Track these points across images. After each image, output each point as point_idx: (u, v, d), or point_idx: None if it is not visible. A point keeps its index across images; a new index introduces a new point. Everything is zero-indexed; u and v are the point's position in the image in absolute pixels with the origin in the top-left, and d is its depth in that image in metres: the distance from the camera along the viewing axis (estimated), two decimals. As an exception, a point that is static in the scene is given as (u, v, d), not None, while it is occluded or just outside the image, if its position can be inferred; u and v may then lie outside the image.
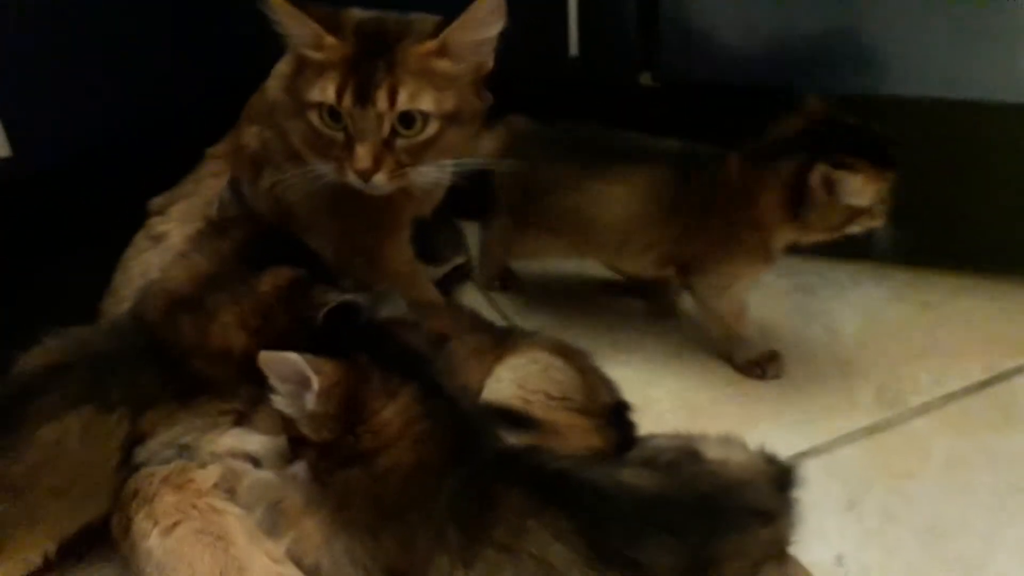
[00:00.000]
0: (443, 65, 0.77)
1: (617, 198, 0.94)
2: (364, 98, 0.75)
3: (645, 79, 1.08)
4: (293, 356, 0.62)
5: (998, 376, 0.95)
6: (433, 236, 0.97)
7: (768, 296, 1.10)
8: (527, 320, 1.07)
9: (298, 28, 0.76)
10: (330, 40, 0.75)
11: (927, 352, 0.99)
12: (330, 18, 0.77)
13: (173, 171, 0.93)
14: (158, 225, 0.86)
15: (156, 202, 0.89)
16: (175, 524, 0.64)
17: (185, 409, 0.73)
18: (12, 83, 0.87)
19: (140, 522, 0.65)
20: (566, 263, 1.17)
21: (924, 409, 0.91)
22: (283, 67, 0.84)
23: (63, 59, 0.93)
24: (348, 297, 0.73)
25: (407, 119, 0.76)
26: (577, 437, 0.75)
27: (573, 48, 1.02)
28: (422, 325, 0.77)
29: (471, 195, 0.89)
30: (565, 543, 0.60)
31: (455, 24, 0.76)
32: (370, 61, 0.75)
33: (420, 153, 0.78)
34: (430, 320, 0.79)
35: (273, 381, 0.63)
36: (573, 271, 1.17)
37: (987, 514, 0.79)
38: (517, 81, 0.86)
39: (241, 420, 0.76)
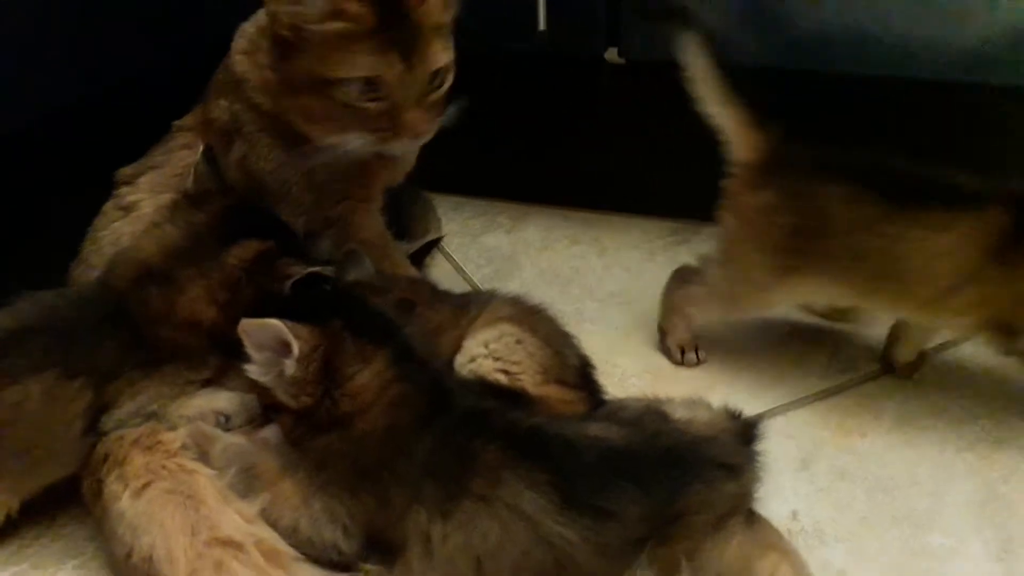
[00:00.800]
0: (447, 17, 0.79)
1: (942, 248, 0.81)
2: (410, 62, 0.75)
3: (611, 55, 1.10)
4: (274, 322, 0.64)
5: (945, 344, 0.98)
6: (406, 211, 0.98)
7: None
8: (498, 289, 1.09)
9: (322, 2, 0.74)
10: (355, 8, 0.73)
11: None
12: None
13: (137, 140, 0.93)
14: (128, 195, 0.86)
15: (124, 172, 0.89)
16: (146, 485, 0.65)
17: (150, 378, 0.74)
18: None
19: (111, 484, 0.66)
20: (531, 243, 1.20)
21: (876, 374, 0.95)
22: (248, 44, 0.84)
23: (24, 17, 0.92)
24: (313, 268, 0.74)
25: (435, 75, 0.78)
26: (563, 407, 0.77)
27: (541, 23, 1.03)
28: (390, 291, 0.79)
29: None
30: (538, 492, 0.63)
31: None
32: (399, 24, 0.75)
33: (439, 107, 0.80)
34: (394, 290, 0.81)
35: (250, 349, 0.65)
36: (539, 246, 1.20)
37: (933, 471, 0.83)
38: (486, 56, 0.87)
39: (209, 387, 0.77)
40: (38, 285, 0.78)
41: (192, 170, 0.80)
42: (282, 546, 0.64)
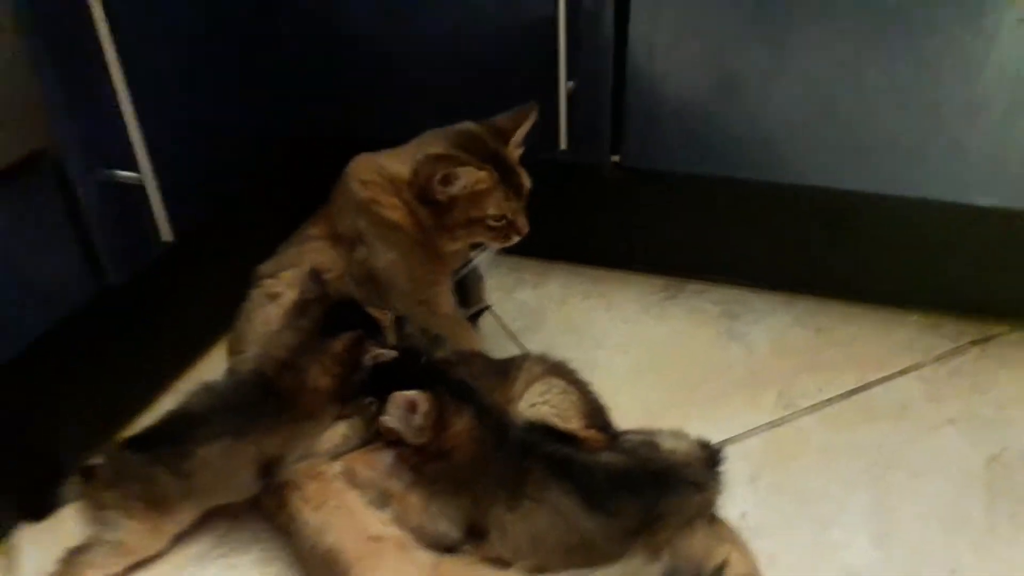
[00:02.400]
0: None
1: None
2: (519, 195, 1.17)
3: (614, 159, 1.43)
4: (413, 393, 0.98)
5: (864, 385, 1.32)
6: (464, 288, 1.32)
7: (703, 318, 1.48)
8: (528, 340, 1.44)
9: (469, 178, 1.12)
10: (483, 175, 1.13)
11: (816, 366, 1.36)
12: (476, 158, 1.14)
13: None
14: (272, 287, 1.19)
15: (265, 268, 1.22)
16: (320, 503, 1.00)
17: (296, 432, 1.06)
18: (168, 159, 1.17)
19: (295, 502, 1.01)
20: (553, 297, 1.53)
21: (810, 410, 1.28)
22: (369, 184, 1.19)
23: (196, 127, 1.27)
24: (385, 352, 1.07)
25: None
26: (596, 444, 1.10)
27: (563, 143, 1.36)
28: (461, 364, 1.14)
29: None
30: (569, 498, 0.98)
31: (520, 131, 1.19)
32: (506, 172, 1.15)
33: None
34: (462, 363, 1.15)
35: (391, 408, 0.99)
36: (558, 300, 1.54)
37: (841, 487, 1.15)
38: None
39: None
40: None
41: (301, 285, 1.13)
42: (408, 540, 0.98)
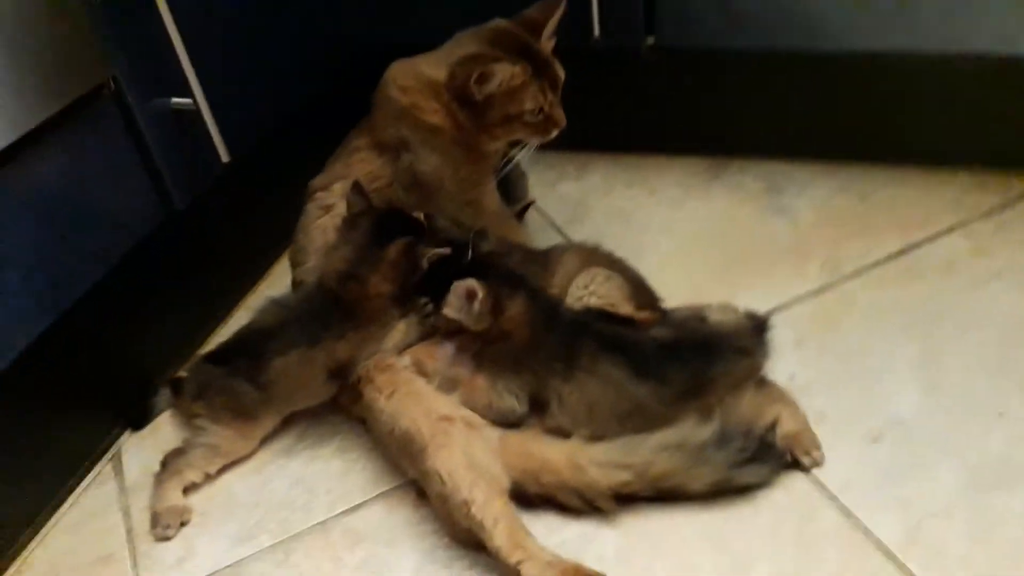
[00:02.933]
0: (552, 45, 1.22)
1: None
2: (555, 87, 1.19)
3: (649, 41, 1.44)
4: (471, 281, 1.04)
5: (908, 247, 1.33)
6: (508, 185, 1.36)
7: (746, 196, 1.50)
8: (575, 231, 1.48)
9: (504, 75, 1.14)
10: (517, 70, 1.14)
11: (861, 232, 1.37)
12: (509, 54, 1.15)
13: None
14: (324, 199, 1.25)
15: (317, 182, 1.27)
16: (392, 392, 1.08)
17: (363, 335, 1.13)
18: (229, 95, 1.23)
19: (370, 393, 1.09)
20: (595, 188, 1.57)
21: (855, 275, 1.30)
22: (408, 89, 1.21)
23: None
24: (439, 250, 1.12)
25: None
26: (647, 321, 1.16)
27: (596, 30, 1.37)
28: (508, 255, 1.19)
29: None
30: (619, 368, 1.04)
31: (550, 22, 1.19)
32: (540, 65, 1.17)
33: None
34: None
35: (452, 297, 1.05)
36: (602, 190, 1.57)
37: (890, 342, 1.19)
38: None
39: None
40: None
41: (347, 199, 1.18)
42: (474, 418, 1.06)
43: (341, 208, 1.22)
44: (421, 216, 1.19)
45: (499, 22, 1.22)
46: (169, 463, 1.14)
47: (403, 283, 1.14)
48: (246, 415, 1.15)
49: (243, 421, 1.15)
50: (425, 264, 1.13)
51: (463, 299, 1.05)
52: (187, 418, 1.18)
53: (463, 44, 1.21)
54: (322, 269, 1.19)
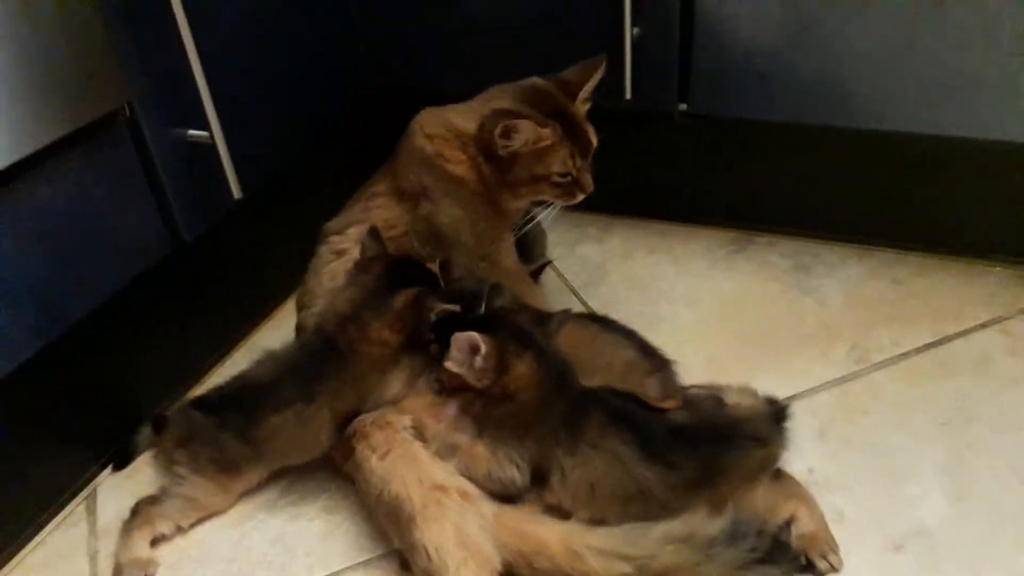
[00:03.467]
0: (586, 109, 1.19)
1: None
2: (586, 154, 1.16)
3: (682, 108, 1.40)
4: (473, 334, 0.99)
5: (942, 339, 1.27)
6: (526, 243, 1.31)
7: (772, 272, 1.44)
8: (591, 296, 1.43)
9: (530, 134, 1.11)
10: (547, 131, 1.11)
11: (891, 319, 1.32)
12: (540, 113, 1.12)
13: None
14: (338, 243, 1.21)
15: (332, 226, 1.24)
16: (386, 452, 1.01)
17: (364, 386, 1.08)
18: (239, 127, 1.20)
19: (362, 451, 1.03)
20: (616, 252, 1.52)
21: (883, 364, 1.25)
22: (433, 138, 1.18)
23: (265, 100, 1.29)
24: (448, 306, 1.07)
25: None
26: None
27: (628, 92, 1.33)
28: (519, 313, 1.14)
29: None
30: (628, 446, 0.98)
31: (587, 85, 1.17)
32: (572, 128, 1.14)
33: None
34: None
35: (454, 350, 1.00)
36: (622, 255, 1.52)
37: (915, 441, 1.12)
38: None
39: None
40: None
41: (361, 243, 1.14)
42: (471, 489, 0.99)
43: (354, 253, 1.18)
44: (436, 265, 1.14)
45: (536, 80, 1.19)
46: (141, 511, 1.08)
47: (407, 335, 1.08)
48: (231, 470, 1.09)
49: (227, 475, 1.09)
50: (433, 318, 1.08)
51: (466, 352, 0.99)
52: (166, 462, 1.13)
53: (495, 98, 1.18)
54: (322, 312, 1.14)
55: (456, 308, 1.08)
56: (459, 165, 1.17)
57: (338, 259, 1.20)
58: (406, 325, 1.08)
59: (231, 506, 1.13)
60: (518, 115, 1.11)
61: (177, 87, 1.10)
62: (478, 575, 0.92)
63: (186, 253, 1.21)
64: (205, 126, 1.12)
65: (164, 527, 1.08)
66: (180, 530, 1.10)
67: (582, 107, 1.19)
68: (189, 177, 1.17)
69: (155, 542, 1.08)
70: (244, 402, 1.08)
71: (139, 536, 1.06)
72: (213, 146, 1.13)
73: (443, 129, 1.18)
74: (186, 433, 1.10)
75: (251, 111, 1.24)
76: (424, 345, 1.10)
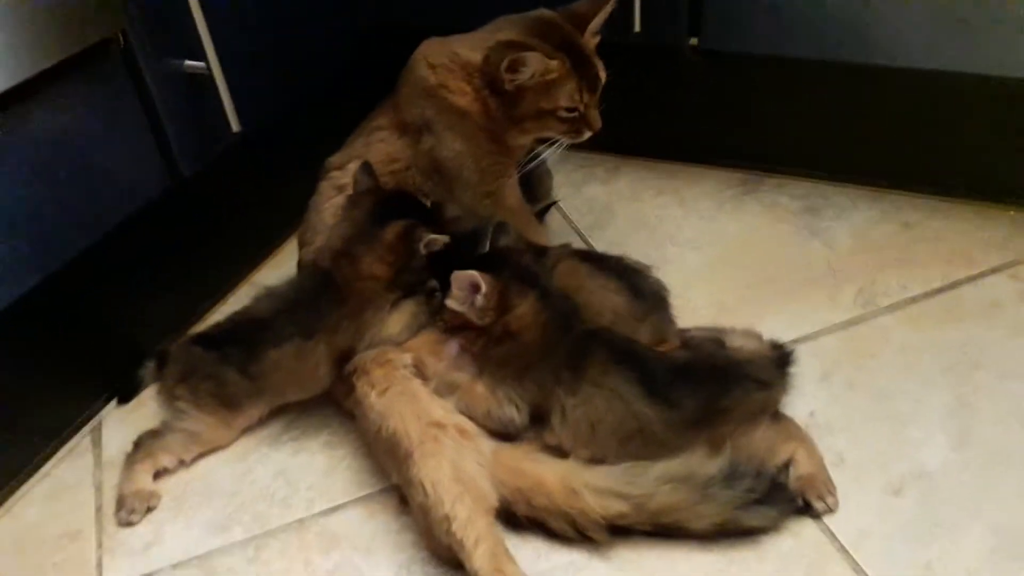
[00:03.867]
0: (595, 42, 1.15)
1: None
2: (594, 88, 1.12)
3: (692, 42, 1.36)
4: (472, 272, 0.98)
5: (951, 284, 1.25)
6: (531, 182, 1.29)
7: (782, 215, 1.42)
8: (597, 237, 1.41)
9: (538, 66, 1.07)
10: (555, 63, 1.08)
11: (901, 263, 1.29)
12: (548, 46, 1.09)
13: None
14: (340, 178, 1.19)
15: (333, 160, 1.22)
16: (385, 388, 1.01)
17: (359, 322, 1.07)
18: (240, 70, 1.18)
19: (362, 387, 1.03)
20: (623, 193, 1.49)
21: (891, 308, 1.23)
22: (438, 69, 1.14)
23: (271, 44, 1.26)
24: (437, 236, 1.05)
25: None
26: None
27: (637, 25, 1.29)
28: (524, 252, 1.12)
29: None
30: (629, 384, 0.97)
31: (597, 18, 1.13)
32: (580, 62, 1.10)
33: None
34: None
35: (454, 288, 0.99)
36: (629, 196, 1.50)
37: (920, 385, 1.11)
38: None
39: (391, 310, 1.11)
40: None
41: (353, 178, 1.12)
42: (469, 426, 1.00)
43: None
44: (429, 202, 1.12)
45: (543, 12, 1.16)
46: (143, 444, 1.09)
47: (399, 268, 1.07)
48: (232, 404, 1.10)
49: (228, 410, 1.10)
50: (422, 249, 1.06)
51: (467, 290, 0.99)
52: (168, 397, 1.13)
53: (502, 29, 1.14)
54: (318, 247, 1.13)
55: (446, 238, 1.07)
56: (463, 97, 1.14)
57: (339, 194, 1.18)
58: (398, 258, 1.07)
59: (233, 441, 1.13)
60: (525, 47, 1.08)
61: (172, 16, 1.07)
62: (473, 511, 0.92)
63: (185, 188, 1.19)
64: (202, 57, 1.10)
65: (166, 460, 1.09)
66: (182, 463, 1.11)
67: (591, 40, 1.15)
68: (187, 110, 1.15)
69: (158, 475, 1.09)
70: (244, 337, 1.08)
71: (141, 469, 1.07)
72: (210, 77, 1.11)
73: (447, 59, 1.15)
74: (187, 368, 1.10)
75: (250, 42, 1.21)
76: (421, 283, 1.09)
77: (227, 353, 1.08)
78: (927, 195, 1.41)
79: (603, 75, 1.15)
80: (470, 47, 1.14)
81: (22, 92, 0.95)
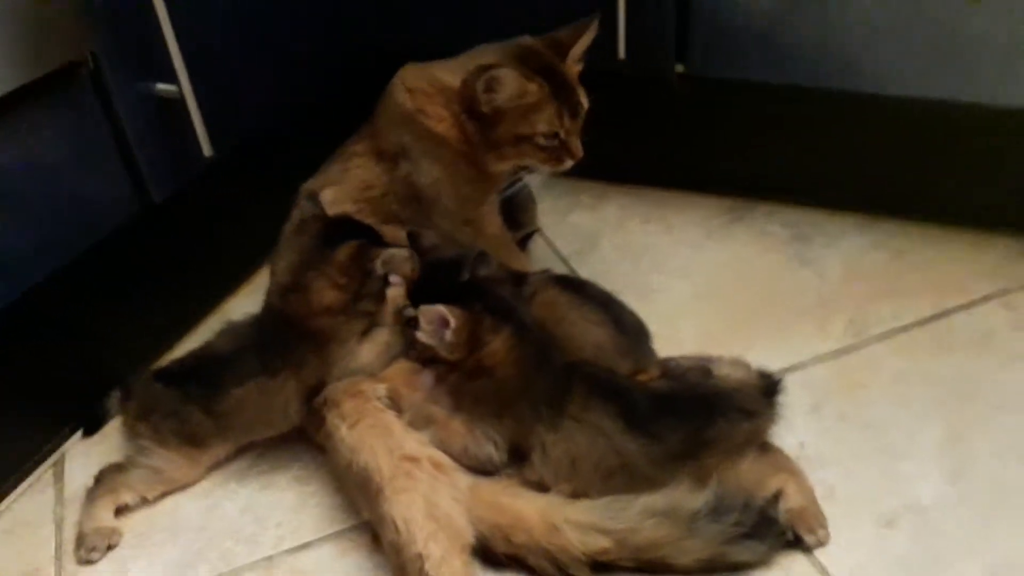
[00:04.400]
0: (578, 69, 1.12)
1: None
2: (575, 115, 1.09)
3: (679, 69, 1.34)
4: (440, 308, 0.95)
5: (942, 313, 1.22)
6: (514, 209, 1.26)
7: (771, 243, 1.39)
8: (581, 265, 1.38)
9: (515, 86, 1.05)
10: (534, 88, 1.06)
11: (892, 292, 1.26)
12: (521, 69, 1.06)
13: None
14: None
15: (309, 185, 1.19)
16: (356, 421, 0.97)
17: (323, 356, 1.03)
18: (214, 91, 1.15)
19: (332, 419, 0.99)
20: (609, 221, 1.47)
21: (882, 337, 1.20)
22: (414, 94, 1.12)
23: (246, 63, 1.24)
24: (395, 250, 1.02)
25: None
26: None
27: (621, 52, 1.28)
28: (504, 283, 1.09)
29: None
30: (610, 418, 0.94)
31: (578, 44, 1.11)
32: (560, 87, 1.07)
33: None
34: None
35: (422, 323, 0.96)
36: (615, 224, 1.47)
37: (914, 418, 1.07)
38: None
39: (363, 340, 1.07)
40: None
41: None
42: (445, 460, 0.95)
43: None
44: (396, 232, 1.10)
45: (525, 39, 1.14)
46: (105, 479, 1.05)
47: (354, 293, 1.03)
48: (197, 443, 1.05)
49: (193, 448, 1.06)
50: (379, 268, 1.02)
51: (435, 324, 0.95)
52: (129, 433, 1.09)
53: (483, 55, 1.12)
54: (267, 290, 1.10)
55: (405, 252, 1.03)
56: (441, 123, 1.11)
57: (312, 222, 1.15)
58: (351, 280, 1.02)
59: (199, 479, 1.09)
60: (501, 67, 1.06)
61: (143, 37, 1.05)
62: (448, 549, 0.88)
63: (156, 215, 1.16)
64: (174, 79, 1.07)
65: (128, 497, 1.04)
66: (145, 501, 1.06)
67: (573, 67, 1.13)
68: (158, 134, 1.12)
69: (119, 510, 1.05)
70: (206, 374, 1.04)
71: (102, 505, 1.03)
72: (182, 101, 1.08)
73: (425, 84, 1.13)
74: (148, 405, 1.06)
75: (224, 65, 1.19)
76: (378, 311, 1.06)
77: (189, 391, 1.04)
78: (919, 223, 1.38)
79: (585, 102, 1.13)
80: (450, 72, 1.12)
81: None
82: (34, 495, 1.11)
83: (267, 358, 1.02)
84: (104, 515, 1.02)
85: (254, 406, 1.03)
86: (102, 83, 1.04)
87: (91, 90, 1.04)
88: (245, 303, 1.36)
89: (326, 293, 1.02)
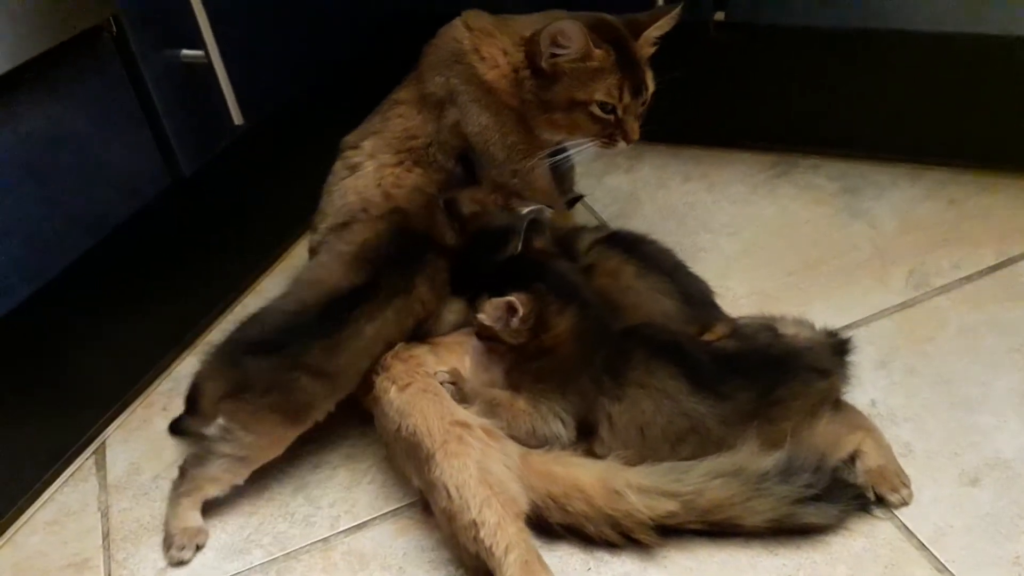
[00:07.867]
0: (650, 52, 1.06)
1: None
2: (637, 93, 1.03)
3: (718, 16, 1.28)
4: (509, 299, 0.91)
5: (1006, 261, 1.17)
6: (555, 176, 1.21)
7: (819, 196, 1.34)
8: (624, 227, 1.32)
9: (581, 44, 0.99)
10: (599, 52, 1.00)
11: (950, 242, 1.22)
12: (592, 35, 1.00)
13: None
14: (353, 157, 1.11)
15: (348, 139, 1.13)
16: (407, 384, 0.93)
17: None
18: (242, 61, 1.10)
19: (381, 382, 0.94)
20: (648, 181, 1.42)
21: (945, 289, 1.15)
22: (474, 42, 1.06)
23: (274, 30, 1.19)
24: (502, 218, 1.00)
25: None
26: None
27: (660, 0, 1.22)
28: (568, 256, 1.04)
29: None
30: (675, 380, 0.90)
31: (655, 26, 1.05)
32: (628, 63, 1.02)
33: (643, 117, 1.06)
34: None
35: (488, 310, 0.92)
36: (655, 184, 1.42)
37: (986, 368, 1.04)
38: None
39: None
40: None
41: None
42: (494, 427, 0.91)
43: (368, 167, 1.10)
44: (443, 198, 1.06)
45: (602, 13, 1.08)
46: (187, 474, 0.97)
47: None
48: (298, 414, 0.96)
49: (291, 422, 0.96)
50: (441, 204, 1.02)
51: (502, 311, 0.92)
52: (203, 420, 1.00)
53: (556, 16, 1.06)
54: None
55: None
56: (493, 69, 1.05)
57: (351, 174, 1.11)
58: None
59: (283, 450, 1.00)
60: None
61: (168, 0, 1.00)
62: (503, 516, 0.84)
63: (186, 187, 1.11)
64: (201, 45, 1.02)
65: (214, 490, 0.97)
66: (235, 488, 0.99)
67: (646, 48, 1.07)
68: (186, 103, 1.07)
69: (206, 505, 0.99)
70: (324, 318, 0.94)
71: (188, 504, 0.96)
72: (210, 67, 1.03)
73: (490, 25, 1.07)
74: (241, 383, 0.94)
75: (252, 30, 1.14)
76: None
77: (295, 353, 0.93)
78: (970, 170, 1.33)
79: (651, 85, 1.07)
80: (518, 22, 1.08)
81: (5, 84, 0.87)
82: (77, 484, 1.07)
83: (404, 273, 0.97)
84: (190, 514, 0.97)
85: (390, 327, 0.97)
86: (126, 49, 0.99)
87: (116, 58, 0.99)
88: (281, 280, 1.31)
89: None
